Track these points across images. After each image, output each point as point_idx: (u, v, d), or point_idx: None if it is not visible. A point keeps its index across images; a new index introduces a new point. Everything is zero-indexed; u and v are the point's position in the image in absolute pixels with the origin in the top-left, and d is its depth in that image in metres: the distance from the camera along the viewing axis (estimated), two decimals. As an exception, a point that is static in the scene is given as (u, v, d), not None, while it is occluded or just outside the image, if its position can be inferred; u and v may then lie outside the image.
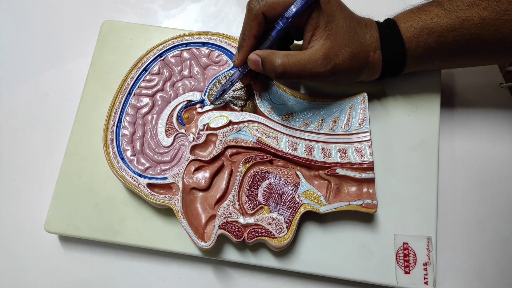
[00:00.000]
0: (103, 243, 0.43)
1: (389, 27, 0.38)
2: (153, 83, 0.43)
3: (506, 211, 0.44)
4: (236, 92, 0.43)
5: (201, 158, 0.40)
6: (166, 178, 0.40)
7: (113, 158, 0.40)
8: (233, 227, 0.38)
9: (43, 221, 0.42)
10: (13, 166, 0.48)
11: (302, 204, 0.38)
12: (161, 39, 0.45)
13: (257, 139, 0.40)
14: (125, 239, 0.41)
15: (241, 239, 0.37)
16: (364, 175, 0.38)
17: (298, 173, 0.40)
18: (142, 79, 0.43)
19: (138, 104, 0.43)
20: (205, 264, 0.43)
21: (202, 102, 0.43)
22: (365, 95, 0.41)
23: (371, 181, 0.39)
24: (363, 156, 0.39)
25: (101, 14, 0.54)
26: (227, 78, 0.43)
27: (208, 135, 0.41)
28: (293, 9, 0.35)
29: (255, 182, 0.39)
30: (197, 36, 0.45)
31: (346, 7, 0.38)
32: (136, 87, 0.43)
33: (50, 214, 0.42)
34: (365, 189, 0.39)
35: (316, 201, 0.38)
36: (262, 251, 0.40)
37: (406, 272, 0.39)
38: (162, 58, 0.44)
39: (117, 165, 0.40)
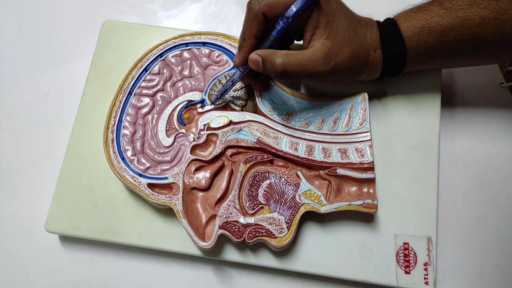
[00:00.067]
0: (103, 243, 0.43)
1: (389, 27, 0.38)
2: (153, 83, 0.43)
3: (506, 211, 0.44)
4: (236, 92, 0.43)
5: (201, 158, 0.40)
6: (166, 178, 0.40)
7: (113, 158, 0.40)
8: (234, 227, 0.38)
9: (44, 221, 0.42)
10: (13, 166, 0.48)
11: (303, 204, 0.38)
12: (162, 39, 0.45)
13: (258, 139, 0.40)
14: (126, 239, 0.41)
15: (242, 239, 0.37)
16: (364, 175, 0.38)
17: (299, 173, 0.40)
18: (142, 79, 0.43)
19: (139, 104, 0.43)
20: (206, 264, 0.43)
21: (202, 102, 0.43)
22: (366, 95, 0.41)
23: (371, 181, 0.39)
24: (363, 156, 0.39)
25: (101, 14, 0.54)
26: (228, 78, 0.43)
27: (208, 135, 0.41)
28: (294, 8, 0.35)
29: (255, 182, 0.39)
30: (198, 36, 0.45)
31: (346, 7, 0.38)
32: (137, 87, 0.43)
33: (51, 214, 0.42)
34: (365, 189, 0.39)
35: (316, 201, 0.38)
36: (262, 251, 0.40)
37: (406, 272, 0.39)
38: (162, 58, 0.44)
39: (118, 165, 0.40)
